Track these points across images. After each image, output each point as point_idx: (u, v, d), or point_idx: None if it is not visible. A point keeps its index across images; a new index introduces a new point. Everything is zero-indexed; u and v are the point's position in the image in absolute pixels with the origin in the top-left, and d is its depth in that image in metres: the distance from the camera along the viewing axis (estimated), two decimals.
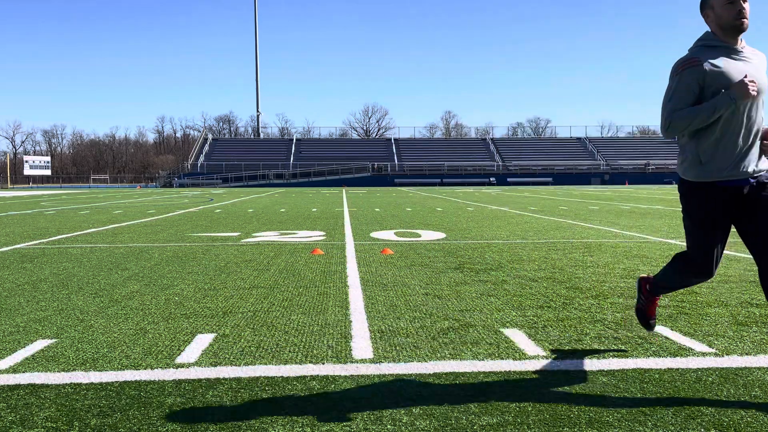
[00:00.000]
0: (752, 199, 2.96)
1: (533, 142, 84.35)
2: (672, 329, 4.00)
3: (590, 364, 3.31)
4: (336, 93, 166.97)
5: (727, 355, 3.47)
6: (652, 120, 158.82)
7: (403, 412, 2.70)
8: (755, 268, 6.47)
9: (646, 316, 3.59)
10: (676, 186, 3.19)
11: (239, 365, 3.33)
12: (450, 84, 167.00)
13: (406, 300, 4.99)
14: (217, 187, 60.35)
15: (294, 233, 10.81)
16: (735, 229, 3.02)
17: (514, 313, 4.49)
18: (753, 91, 2.84)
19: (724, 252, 7.68)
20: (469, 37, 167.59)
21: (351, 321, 4.30)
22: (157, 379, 3.12)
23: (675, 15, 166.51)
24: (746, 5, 2.92)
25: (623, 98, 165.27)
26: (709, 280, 5.68)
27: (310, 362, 3.38)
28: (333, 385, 3.02)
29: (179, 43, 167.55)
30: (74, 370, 3.27)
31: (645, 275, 3.66)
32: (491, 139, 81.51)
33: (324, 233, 10.74)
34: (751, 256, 7.27)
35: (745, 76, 2.87)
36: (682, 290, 5.27)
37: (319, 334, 3.96)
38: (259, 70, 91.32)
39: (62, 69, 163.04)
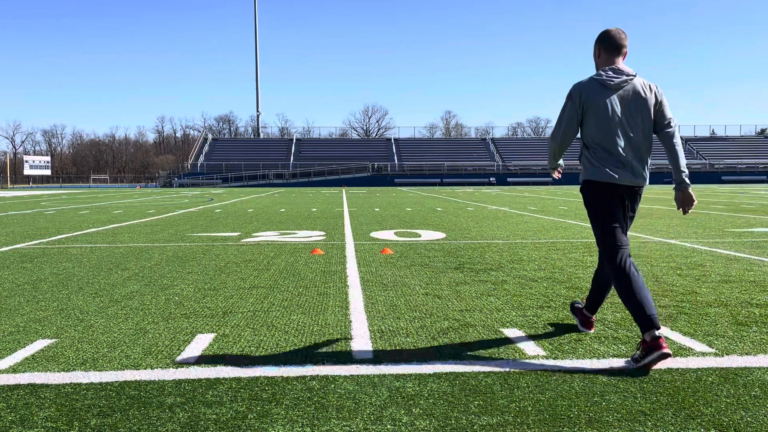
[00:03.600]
0: None
1: (533, 142, 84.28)
2: (672, 329, 4.00)
3: (590, 364, 3.31)
4: (336, 93, 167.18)
5: (727, 355, 3.47)
6: None
7: (403, 412, 2.69)
8: (755, 268, 6.47)
9: None
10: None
11: (239, 365, 3.33)
12: (450, 84, 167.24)
13: (406, 300, 4.99)
14: (217, 187, 60.33)
15: (294, 233, 10.81)
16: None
17: (514, 313, 4.49)
18: None
19: (724, 252, 7.69)
20: (469, 37, 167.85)
21: (351, 321, 4.30)
22: (157, 379, 3.12)
23: (674, 15, 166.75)
24: None
25: None
26: (709, 280, 5.70)
27: (310, 362, 3.38)
28: (333, 385, 3.02)
29: (179, 43, 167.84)
30: (74, 370, 3.27)
31: None
32: (491, 139, 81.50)
33: (324, 233, 10.74)
34: (750, 256, 7.27)
35: None
36: (682, 290, 5.27)
37: (319, 334, 3.96)
38: (259, 70, 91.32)
39: (62, 69, 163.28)
